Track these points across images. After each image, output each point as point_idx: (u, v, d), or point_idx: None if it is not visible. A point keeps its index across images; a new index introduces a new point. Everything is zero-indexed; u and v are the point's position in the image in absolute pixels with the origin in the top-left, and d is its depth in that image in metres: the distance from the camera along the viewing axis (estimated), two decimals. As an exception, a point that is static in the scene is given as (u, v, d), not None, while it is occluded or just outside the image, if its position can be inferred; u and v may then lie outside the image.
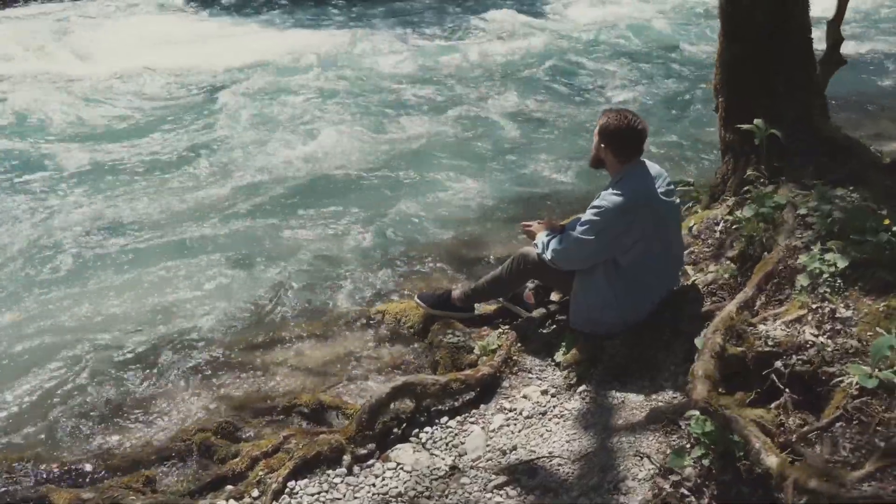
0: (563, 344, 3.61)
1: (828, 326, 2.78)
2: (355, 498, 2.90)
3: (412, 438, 3.25)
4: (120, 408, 3.57)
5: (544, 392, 3.45)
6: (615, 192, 3.41)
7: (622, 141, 3.45)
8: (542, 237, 3.66)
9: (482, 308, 4.14)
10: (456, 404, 3.48)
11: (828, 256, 2.99)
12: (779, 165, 4.05)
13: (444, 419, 3.36)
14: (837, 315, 2.80)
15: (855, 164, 3.99)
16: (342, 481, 2.98)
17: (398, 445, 3.18)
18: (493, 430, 3.27)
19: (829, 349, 2.65)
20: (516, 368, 3.63)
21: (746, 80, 4.22)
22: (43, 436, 3.43)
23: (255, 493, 2.92)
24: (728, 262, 3.73)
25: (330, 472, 3.02)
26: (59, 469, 3.15)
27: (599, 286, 3.51)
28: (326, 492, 2.93)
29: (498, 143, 7.42)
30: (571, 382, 3.45)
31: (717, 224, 4.08)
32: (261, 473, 2.97)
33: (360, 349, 4.07)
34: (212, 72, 10.29)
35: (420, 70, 10.29)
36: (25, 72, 10.48)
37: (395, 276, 4.91)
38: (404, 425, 3.36)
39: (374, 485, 2.97)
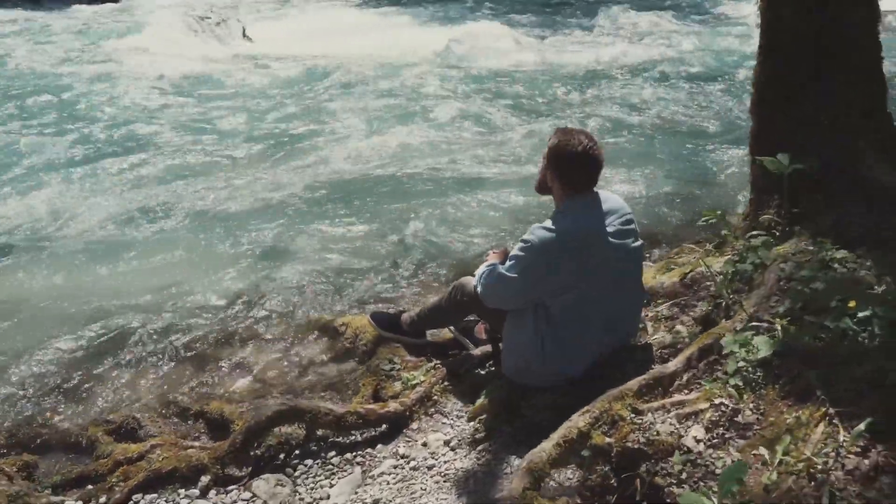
0: (485, 392, 3.20)
1: (720, 431, 2.18)
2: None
3: (288, 469, 3.04)
4: (56, 387, 3.69)
5: (447, 443, 3.08)
6: (546, 227, 2.94)
7: (573, 169, 2.95)
8: (482, 267, 3.25)
9: (442, 334, 3.80)
10: (358, 439, 3.21)
11: (756, 340, 2.34)
12: (801, 211, 3.29)
13: (332, 454, 3.11)
14: (737, 419, 2.18)
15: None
16: (189, 503, 2.85)
17: (266, 475, 2.98)
18: (372, 476, 2.97)
19: (701, 462, 2.07)
20: (433, 410, 3.28)
21: (781, 102, 3.46)
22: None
23: (103, 499, 2.87)
24: (692, 323, 3.09)
25: (182, 490, 2.90)
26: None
27: (527, 332, 3.05)
28: (164, 513, 2.82)
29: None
30: (478, 437, 3.04)
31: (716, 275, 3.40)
32: (114, 480, 2.92)
33: (308, 361, 3.90)
34: (355, 61, 10.63)
35: (556, 68, 9.99)
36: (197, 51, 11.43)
37: (396, 287, 4.68)
38: (296, 452, 3.16)
39: (217, 514, 2.81)
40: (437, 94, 9.06)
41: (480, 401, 3.15)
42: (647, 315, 3.41)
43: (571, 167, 2.95)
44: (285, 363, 3.91)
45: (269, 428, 3.09)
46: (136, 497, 2.86)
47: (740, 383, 2.26)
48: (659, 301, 3.50)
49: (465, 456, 2.97)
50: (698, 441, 2.14)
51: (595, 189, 3.05)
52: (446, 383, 3.38)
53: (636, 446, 2.21)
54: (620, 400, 2.38)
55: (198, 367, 3.91)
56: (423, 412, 3.26)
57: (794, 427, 2.03)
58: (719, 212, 3.56)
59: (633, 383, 2.48)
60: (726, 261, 3.06)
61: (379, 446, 3.14)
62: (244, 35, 12.11)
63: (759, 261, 2.92)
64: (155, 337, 4.12)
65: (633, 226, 3.07)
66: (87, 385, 3.70)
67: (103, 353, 3.96)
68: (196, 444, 3.14)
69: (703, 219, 3.53)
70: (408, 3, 16.59)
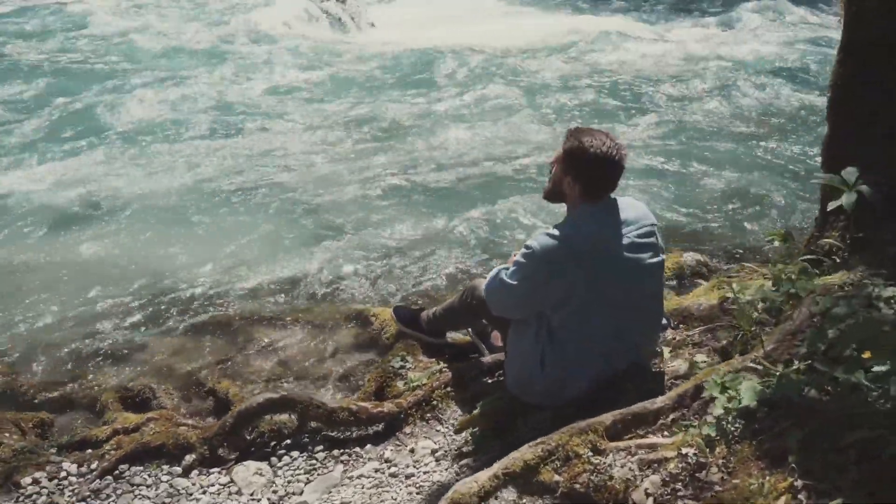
0: (481, 403, 3.00)
1: (677, 486, 1.89)
2: (163, 500, 2.78)
3: (273, 459, 3.01)
4: (93, 350, 3.87)
5: (433, 452, 2.92)
6: (551, 233, 2.69)
7: (593, 173, 2.68)
8: (494, 270, 3.05)
9: (462, 336, 3.63)
10: (351, 436, 3.13)
11: (743, 386, 2.01)
12: (866, 236, 2.83)
13: (319, 448, 3.05)
14: (700, 475, 1.88)
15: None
16: (168, 480, 2.88)
17: (248, 462, 2.96)
18: (350, 477, 2.87)
19: (642, 521, 1.81)
20: (430, 416, 3.13)
21: (859, 109, 2.98)
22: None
23: (95, 464, 2.97)
24: (714, 354, 2.73)
25: (166, 466, 2.94)
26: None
27: (528, 345, 2.83)
28: (145, 485, 2.86)
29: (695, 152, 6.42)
30: (465, 450, 2.86)
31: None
32: (108, 448, 3.01)
33: (332, 350, 3.86)
34: (475, 49, 10.55)
35: (680, 65, 9.48)
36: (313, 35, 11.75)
37: (452, 285, 4.54)
38: (287, 442, 3.13)
39: (190, 494, 2.82)
40: (552, 86, 8.75)
41: (475, 412, 2.97)
42: (674, 338, 3.07)
43: (592, 171, 2.68)
44: (311, 349, 3.89)
45: (259, 415, 3.07)
46: (122, 467, 2.93)
47: (714, 434, 1.95)
48: (694, 324, 3.15)
49: (446, 469, 2.80)
50: (648, 495, 1.87)
51: (613, 195, 2.77)
52: (449, 389, 3.21)
53: (583, 490, 1.97)
54: (583, 434, 2.13)
55: (229, 343, 3.97)
56: (419, 416, 3.12)
57: (755, 495, 1.71)
58: (784, 231, 3.17)
59: (607, 417, 2.22)
60: (757, 288, 2.67)
61: (368, 446, 3.05)
62: (365, 21, 12.27)
63: (793, 291, 2.53)
64: (196, 310, 4.25)
65: (652, 239, 2.75)
66: (121, 351, 3.86)
67: (143, 322, 4.13)
68: (189, 421, 3.18)
69: (768, 238, 3.15)
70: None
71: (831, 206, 2.74)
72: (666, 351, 2.89)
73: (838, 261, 2.88)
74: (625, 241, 2.69)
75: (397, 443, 3.05)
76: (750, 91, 8.15)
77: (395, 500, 2.70)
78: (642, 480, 1.92)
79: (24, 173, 6.24)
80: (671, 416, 2.24)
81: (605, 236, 2.68)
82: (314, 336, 4.00)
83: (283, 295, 4.41)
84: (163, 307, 4.26)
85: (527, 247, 2.72)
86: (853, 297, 2.43)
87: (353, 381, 3.59)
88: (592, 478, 1.98)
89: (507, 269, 2.87)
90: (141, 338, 3.98)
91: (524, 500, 2.03)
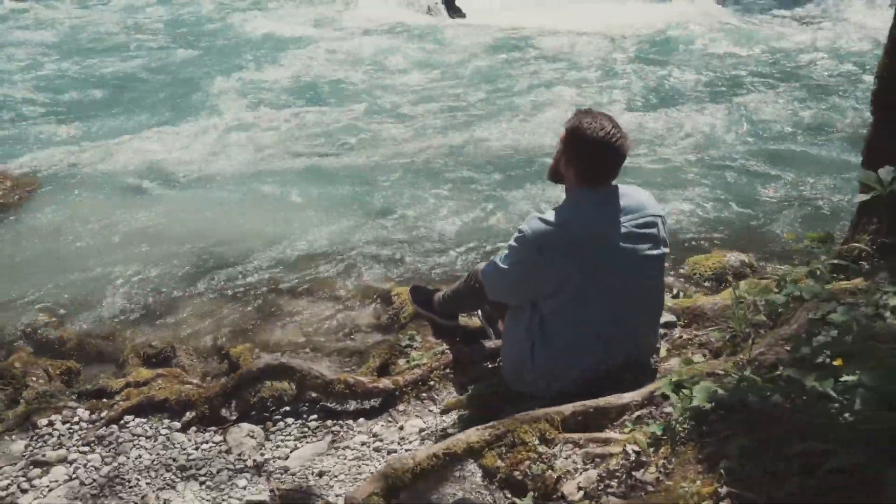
0: (472, 387, 2.96)
1: (612, 483, 1.80)
2: (158, 451, 2.90)
3: (268, 423, 3.08)
4: (131, 307, 4.08)
5: (420, 431, 2.91)
6: (544, 218, 2.61)
7: (590, 157, 2.59)
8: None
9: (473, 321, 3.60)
10: (348, 408, 3.16)
11: (698, 387, 1.88)
12: (893, 242, 2.59)
13: (314, 417, 3.09)
14: (636, 474, 1.78)
15: None
16: (166, 434, 3.01)
17: (242, 424, 3.05)
18: (336, 447, 2.90)
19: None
20: (425, 395, 3.12)
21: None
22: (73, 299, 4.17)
23: (105, 413, 3.13)
24: (710, 355, 2.57)
25: (167, 420, 3.07)
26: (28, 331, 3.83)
27: (520, 334, 2.77)
28: (145, 436, 2.99)
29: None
30: (449, 432, 2.82)
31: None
32: (119, 399, 3.17)
33: (352, 325, 3.91)
34: (564, 35, 10.45)
35: (772, 56, 9.01)
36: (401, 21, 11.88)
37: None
38: (286, 409, 3.19)
39: (184, 449, 2.93)
40: (633, 73, 8.51)
41: (465, 395, 2.94)
42: (681, 337, 2.93)
43: (588, 155, 2.58)
44: (332, 323, 3.95)
45: (259, 379, 3.14)
46: (127, 417, 3.07)
47: (660, 433, 1.84)
48: (706, 324, 2.99)
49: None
50: (580, 489, 1.79)
51: (615, 183, 2.66)
52: (448, 371, 3.19)
53: (521, 477, 1.91)
54: (535, 423, 2.07)
55: (256, 311, 4.09)
56: (414, 395, 3.12)
57: (681, 498, 1.61)
58: (825, 234, 2.96)
59: (568, 407, 2.14)
60: (761, 288, 2.50)
61: (361, 420, 3.06)
62: (453, 7, 12.27)
63: (797, 293, 2.35)
64: (231, 278, 4.38)
65: (653, 230, 2.62)
66: (154, 311, 4.05)
67: (179, 285, 4.31)
68: (195, 381, 3.30)
69: (807, 240, 2.96)
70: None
71: (858, 198, 2.54)
72: (664, 349, 2.75)
73: (867, 266, 2.66)
74: (622, 230, 2.58)
75: (389, 419, 3.05)
76: (844, 88, 7.64)
77: (371, 473, 2.70)
78: (581, 474, 1.84)
79: (108, 141, 6.64)
80: (637, 413, 2.14)
81: (601, 224, 2.58)
82: (337, 311, 4.06)
83: (317, 269, 4.49)
84: (201, 273, 4.44)
85: (519, 231, 2.66)
86: (858, 305, 2.24)
87: (364, 356, 3.61)
88: (533, 466, 1.91)
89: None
90: (175, 300, 4.16)
91: (459, 484, 1.99)
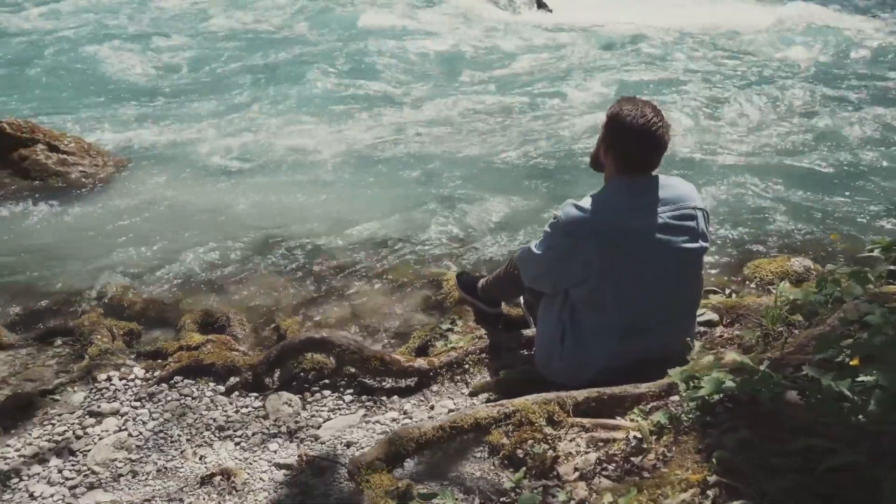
0: (503, 372, 2.97)
1: (610, 467, 1.78)
2: (201, 412, 3.05)
3: (306, 394, 3.18)
4: (196, 278, 4.30)
5: (450, 412, 2.92)
6: (578, 204, 2.60)
7: (628, 144, 2.56)
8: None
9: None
10: (385, 385, 3.22)
11: (707, 378, 1.82)
12: (956, 246, 2.43)
13: (350, 391, 3.18)
14: (634, 459, 1.76)
15: None
16: (211, 396, 3.15)
17: (282, 392, 3.16)
18: (367, 421, 2.97)
19: (554, 492, 1.73)
20: (459, 378, 3.15)
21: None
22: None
23: (157, 372, 3.31)
24: (739, 351, 2.48)
25: (212, 384, 3.22)
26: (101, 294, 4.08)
27: (551, 320, 2.77)
28: (191, 396, 3.15)
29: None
30: (474, 414, 2.85)
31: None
32: (171, 360, 3.34)
33: (402, 309, 3.98)
34: (659, 34, 10.27)
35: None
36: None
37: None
38: (325, 381, 3.28)
39: (225, 411, 3.06)
40: (727, 76, 8.25)
41: (496, 378, 2.95)
42: (721, 336, 2.84)
43: (627, 142, 2.55)
44: (382, 304, 4.04)
45: (300, 351, 3.25)
46: (177, 378, 3.24)
47: (665, 421, 1.81)
48: (748, 324, 2.88)
49: (454, 429, 2.81)
50: (576, 470, 1.78)
51: (656, 173, 2.60)
52: (484, 355, 3.21)
53: (522, 455, 1.91)
54: (545, 404, 2.06)
55: (313, 288, 4.23)
56: (448, 377, 3.15)
57: (670, 485, 1.57)
58: (890, 240, 2.83)
59: (582, 392, 2.13)
60: (802, 288, 2.39)
61: (395, 398, 3.12)
62: (541, 4, 12.18)
63: (839, 294, 2.24)
64: (295, 255, 4.55)
65: (692, 223, 2.56)
66: (218, 281, 4.26)
67: (246, 259, 4.50)
68: (242, 348, 3.44)
69: (870, 246, 2.84)
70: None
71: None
72: (698, 345, 2.67)
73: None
74: (658, 220, 2.53)
75: (422, 398, 3.10)
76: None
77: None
78: (581, 456, 1.83)
79: (198, 124, 6.99)
80: (652, 404, 2.10)
81: (636, 213, 2.54)
82: (389, 293, 4.14)
83: (376, 253, 4.59)
84: (266, 250, 4.61)
85: (554, 216, 2.65)
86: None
87: (406, 337, 3.68)
88: (535, 446, 1.91)
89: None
90: (238, 274, 4.34)
91: (463, 457, 2.01)
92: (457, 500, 1.86)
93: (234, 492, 2.51)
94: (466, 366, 3.17)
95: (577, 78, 8.39)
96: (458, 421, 2.08)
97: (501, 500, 1.77)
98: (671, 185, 2.59)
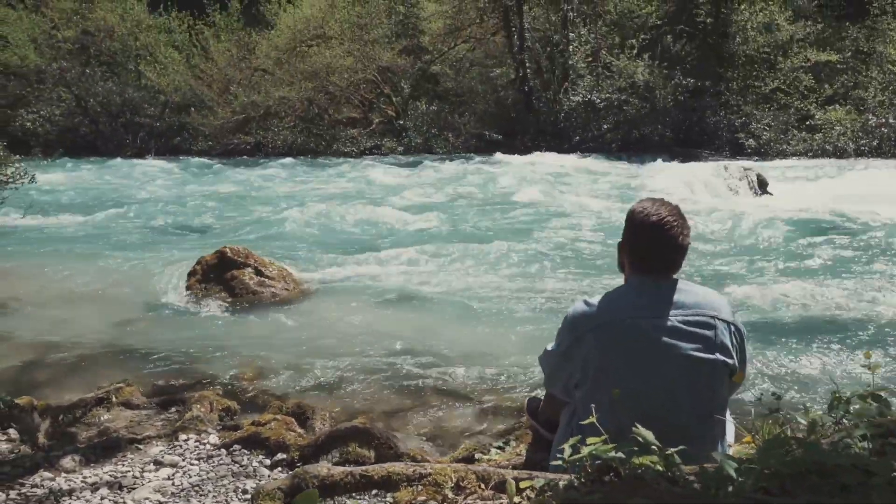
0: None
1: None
2: (240, 477, 3.21)
3: (339, 480, 3.21)
4: (314, 381, 4.61)
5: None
6: (587, 300, 2.50)
7: (640, 242, 2.46)
8: None
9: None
10: (415, 487, 3.15)
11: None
12: None
13: (377, 485, 3.15)
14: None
15: None
16: (255, 467, 3.32)
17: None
18: (377, 513, 2.91)
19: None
20: (482, 488, 2.97)
21: None
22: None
23: (227, 438, 3.57)
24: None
25: (261, 456, 3.40)
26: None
27: (562, 430, 2.61)
28: (239, 463, 3.34)
29: None
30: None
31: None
32: (240, 431, 3.60)
33: (477, 426, 3.91)
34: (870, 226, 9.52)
35: None
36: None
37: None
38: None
39: (259, 481, 3.19)
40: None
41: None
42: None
43: (639, 239, 2.45)
44: (466, 422, 4.00)
45: (346, 439, 3.33)
46: (235, 447, 3.49)
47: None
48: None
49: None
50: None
51: (677, 277, 2.44)
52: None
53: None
54: (463, 472, 1.93)
55: (410, 402, 4.31)
56: (473, 485, 3.00)
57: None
58: None
59: (511, 472, 1.96)
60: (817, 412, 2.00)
61: (417, 496, 3.04)
62: (762, 188, 11.76)
63: (841, 416, 1.87)
64: (403, 372, 4.70)
65: (708, 332, 2.32)
66: (334, 386, 4.52)
67: (362, 370, 4.74)
68: (298, 430, 3.59)
69: None
70: None
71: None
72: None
73: None
74: (667, 322, 2.34)
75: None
76: None
77: None
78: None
79: (369, 262, 7.78)
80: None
81: (641, 311, 2.37)
82: (480, 415, 4.09)
83: (480, 381, 4.59)
84: (385, 366, 4.83)
85: (566, 313, 2.56)
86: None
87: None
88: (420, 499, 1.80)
89: None
90: (351, 383, 4.57)
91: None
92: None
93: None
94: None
95: (793, 260, 7.85)
96: (371, 471, 2.01)
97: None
98: (692, 291, 2.39)
